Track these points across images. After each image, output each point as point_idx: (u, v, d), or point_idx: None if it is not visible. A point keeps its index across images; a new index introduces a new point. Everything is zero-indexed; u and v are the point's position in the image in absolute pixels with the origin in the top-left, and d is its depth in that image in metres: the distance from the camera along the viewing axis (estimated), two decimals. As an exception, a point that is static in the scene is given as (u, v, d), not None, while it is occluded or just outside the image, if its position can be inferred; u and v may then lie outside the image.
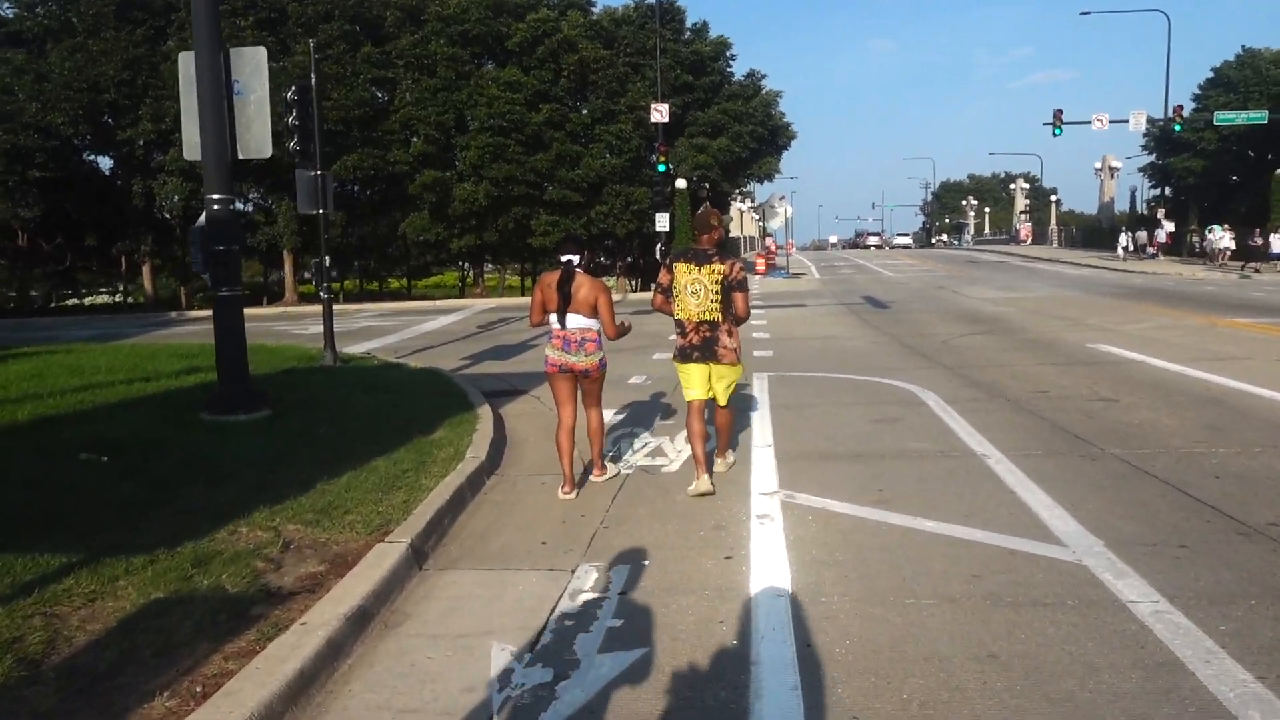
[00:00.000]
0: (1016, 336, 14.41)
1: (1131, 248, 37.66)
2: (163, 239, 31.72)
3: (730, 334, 5.69)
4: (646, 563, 4.71)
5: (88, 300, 38.82)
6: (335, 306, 13.76)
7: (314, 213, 12.80)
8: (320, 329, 12.83)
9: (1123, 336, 13.86)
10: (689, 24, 33.80)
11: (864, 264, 48.02)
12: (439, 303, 30.15)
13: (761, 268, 39.80)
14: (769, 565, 4.60)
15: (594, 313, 5.71)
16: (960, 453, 6.82)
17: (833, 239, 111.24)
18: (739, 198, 68.21)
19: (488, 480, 6.48)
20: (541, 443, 7.38)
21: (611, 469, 6.30)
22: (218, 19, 8.04)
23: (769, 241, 59.23)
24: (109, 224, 31.09)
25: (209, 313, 10.92)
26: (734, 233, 61.07)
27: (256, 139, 8.18)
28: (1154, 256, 36.96)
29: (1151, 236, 36.91)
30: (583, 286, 5.65)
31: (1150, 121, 33.98)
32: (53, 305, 35.96)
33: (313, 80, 12.61)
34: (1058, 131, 33.20)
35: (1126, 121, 33.48)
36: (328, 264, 13.01)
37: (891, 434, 7.54)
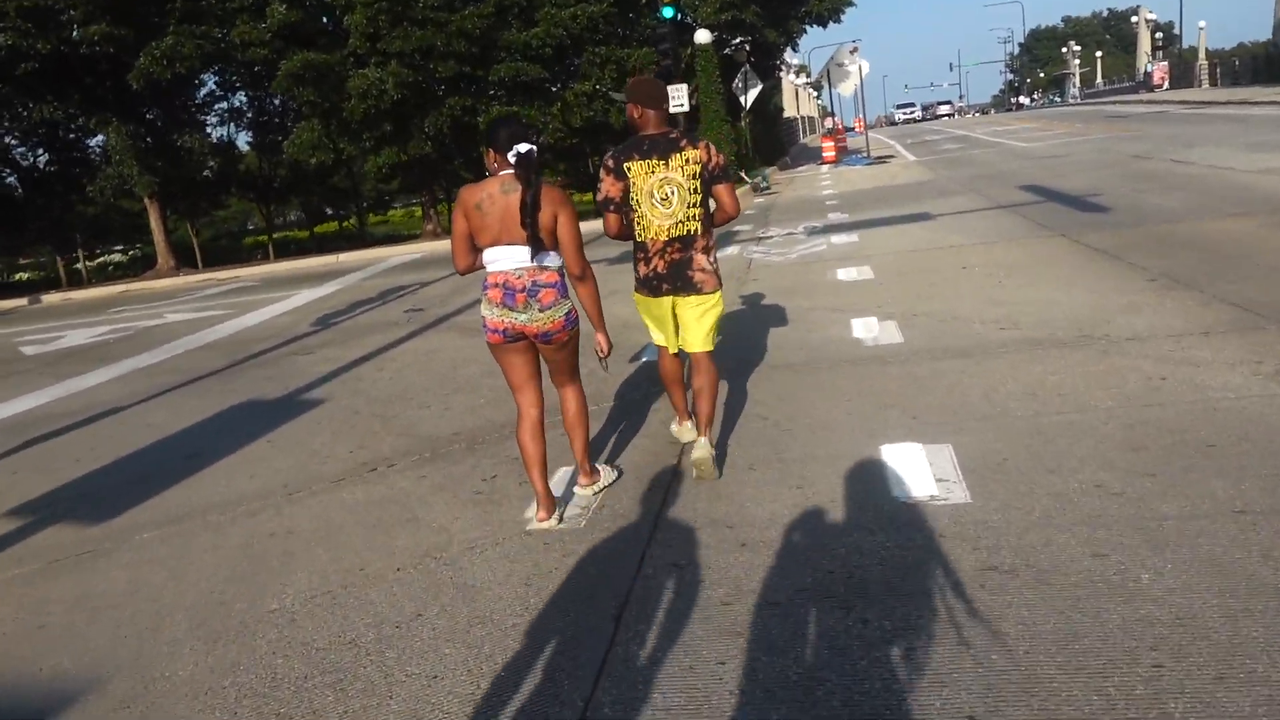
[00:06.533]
0: None
1: None
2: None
3: (708, 250, 3.90)
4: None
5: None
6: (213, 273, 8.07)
7: None
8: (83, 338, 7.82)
9: None
10: None
11: (965, 134, 36.07)
12: (347, 256, 20.34)
13: (831, 154, 28.74)
14: None
15: (551, 241, 3.39)
16: None
17: (899, 115, 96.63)
18: (790, 69, 55.21)
19: None
20: None
21: (605, 473, 3.96)
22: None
23: (834, 120, 47.50)
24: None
25: None
26: (788, 112, 48.75)
27: None
28: None
29: None
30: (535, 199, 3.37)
31: None
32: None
33: None
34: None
35: None
36: None
37: None
